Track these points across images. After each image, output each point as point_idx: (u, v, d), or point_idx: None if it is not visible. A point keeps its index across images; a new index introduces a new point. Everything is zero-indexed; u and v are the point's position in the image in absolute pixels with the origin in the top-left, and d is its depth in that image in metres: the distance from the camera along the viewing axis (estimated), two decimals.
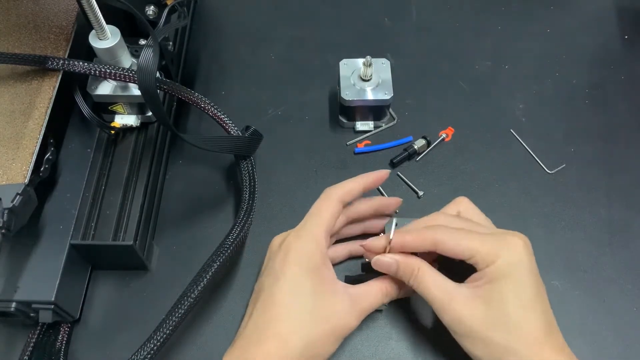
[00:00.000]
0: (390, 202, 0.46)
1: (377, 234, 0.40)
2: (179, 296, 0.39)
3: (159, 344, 0.37)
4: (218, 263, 0.40)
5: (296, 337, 0.35)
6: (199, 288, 0.39)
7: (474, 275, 0.37)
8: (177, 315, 0.38)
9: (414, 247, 0.38)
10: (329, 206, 0.40)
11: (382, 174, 0.43)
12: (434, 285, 0.37)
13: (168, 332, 0.38)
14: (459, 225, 0.39)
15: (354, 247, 0.45)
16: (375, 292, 0.40)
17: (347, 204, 0.42)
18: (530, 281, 0.36)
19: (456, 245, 0.37)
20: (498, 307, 0.35)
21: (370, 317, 0.44)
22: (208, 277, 0.40)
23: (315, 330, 0.36)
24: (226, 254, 0.41)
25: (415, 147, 0.52)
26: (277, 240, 0.41)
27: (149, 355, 0.37)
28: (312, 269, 0.37)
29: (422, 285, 0.38)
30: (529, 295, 0.35)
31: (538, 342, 0.34)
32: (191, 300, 0.39)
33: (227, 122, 0.47)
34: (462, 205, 0.42)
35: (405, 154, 0.51)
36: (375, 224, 0.46)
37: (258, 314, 0.37)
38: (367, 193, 0.43)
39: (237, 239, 0.43)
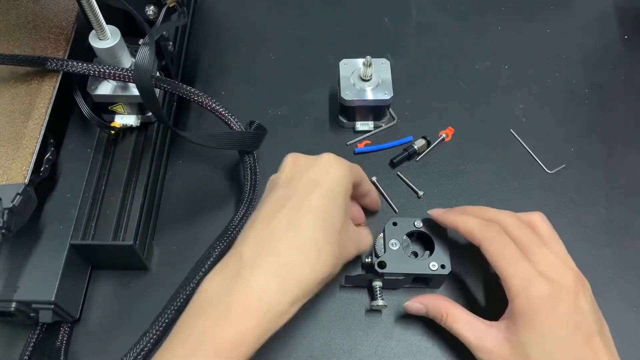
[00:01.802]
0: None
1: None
2: (178, 286, 0.39)
3: (154, 337, 0.37)
4: (216, 253, 0.41)
5: (316, 271, 0.34)
6: (195, 280, 0.39)
7: (506, 312, 0.38)
8: (172, 308, 0.38)
9: (463, 234, 0.41)
10: (355, 173, 0.41)
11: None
12: (465, 327, 0.39)
13: (164, 325, 0.38)
14: (517, 234, 0.39)
15: None
16: (368, 237, 0.43)
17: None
18: (553, 331, 0.35)
19: (497, 257, 0.38)
20: (521, 352, 0.36)
21: (370, 317, 0.45)
22: (205, 269, 0.40)
23: (335, 263, 0.36)
24: (224, 243, 0.41)
25: (415, 147, 0.52)
26: (301, 159, 0.40)
27: (144, 351, 0.37)
28: (344, 197, 0.38)
29: (454, 327, 0.40)
30: (551, 346, 0.35)
31: None
32: (188, 290, 0.39)
33: (230, 117, 0.47)
34: (536, 219, 0.41)
35: (405, 154, 0.51)
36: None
37: (276, 225, 0.35)
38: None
39: (237, 229, 0.43)
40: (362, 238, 0.42)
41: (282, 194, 0.37)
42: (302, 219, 0.35)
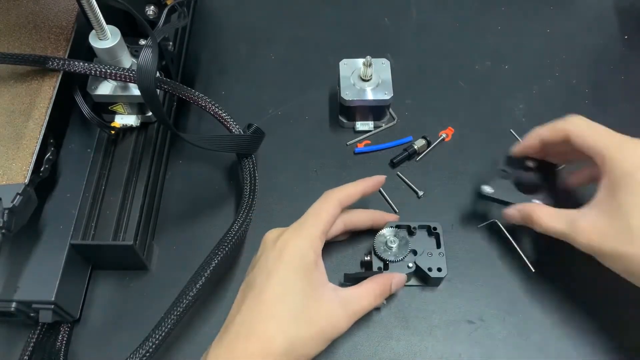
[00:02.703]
0: (388, 217, 0.46)
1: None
2: (179, 294, 0.39)
3: (157, 342, 0.38)
4: (217, 260, 0.41)
5: (282, 337, 0.35)
6: (198, 285, 0.39)
7: (599, 187, 0.37)
8: (175, 313, 0.38)
9: (548, 137, 0.41)
10: (328, 208, 0.41)
11: (380, 178, 0.44)
12: (554, 220, 0.39)
13: (167, 330, 0.38)
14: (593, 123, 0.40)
15: (347, 217, 0.44)
16: (365, 294, 0.40)
17: (345, 207, 0.42)
18: None
19: (586, 136, 0.38)
20: (620, 218, 0.34)
21: (370, 317, 0.45)
22: (207, 275, 0.40)
23: (301, 331, 0.36)
24: (225, 251, 0.41)
25: (415, 147, 0.52)
26: (272, 235, 0.40)
27: (147, 354, 0.37)
28: (305, 269, 0.37)
29: (544, 225, 0.39)
30: None
31: None
32: (190, 298, 0.39)
33: (229, 120, 0.47)
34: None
35: (405, 154, 0.51)
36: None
37: (247, 309, 0.36)
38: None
39: (237, 236, 0.43)
40: (353, 297, 0.39)
41: (247, 281, 0.39)
42: (258, 316, 0.36)
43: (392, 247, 0.43)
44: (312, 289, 0.37)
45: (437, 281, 0.45)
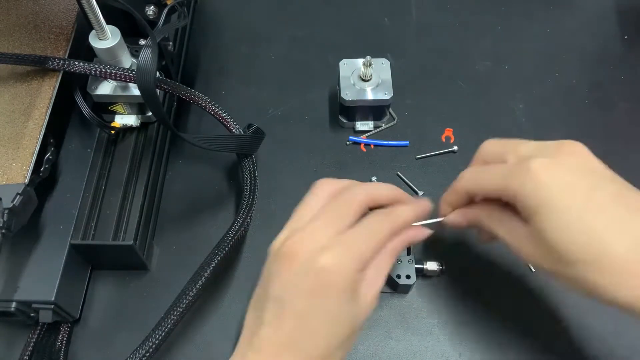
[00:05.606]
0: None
1: None
2: (178, 294, 0.39)
3: (157, 342, 0.38)
4: (217, 260, 0.41)
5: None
6: (198, 285, 0.39)
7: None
8: (175, 313, 0.38)
9: (455, 199, 0.39)
10: (383, 235, 0.35)
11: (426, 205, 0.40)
12: (503, 228, 0.35)
13: (167, 330, 0.38)
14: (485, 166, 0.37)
15: None
16: (381, 280, 0.36)
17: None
18: (565, 202, 0.31)
19: (482, 188, 0.36)
20: (543, 241, 0.32)
21: (370, 317, 0.44)
22: (207, 275, 0.40)
23: (343, 350, 0.33)
24: (225, 251, 0.41)
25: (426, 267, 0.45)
26: (306, 246, 0.33)
27: (147, 354, 0.37)
28: (350, 293, 0.33)
29: (494, 228, 0.36)
30: (567, 220, 0.30)
31: (590, 264, 0.30)
32: (190, 298, 0.39)
33: (229, 120, 0.47)
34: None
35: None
36: None
37: (286, 333, 0.32)
38: None
39: (237, 236, 0.43)
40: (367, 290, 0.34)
41: (276, 297, 0.33)
42: (303, 343, 0.32)
43: None
44: (352, 309, 0.33)
45: (405, 288, 0.44)
